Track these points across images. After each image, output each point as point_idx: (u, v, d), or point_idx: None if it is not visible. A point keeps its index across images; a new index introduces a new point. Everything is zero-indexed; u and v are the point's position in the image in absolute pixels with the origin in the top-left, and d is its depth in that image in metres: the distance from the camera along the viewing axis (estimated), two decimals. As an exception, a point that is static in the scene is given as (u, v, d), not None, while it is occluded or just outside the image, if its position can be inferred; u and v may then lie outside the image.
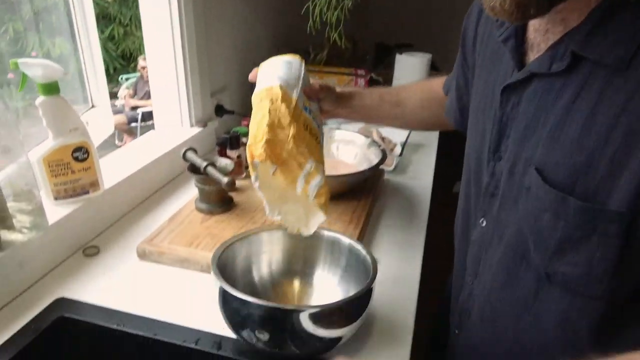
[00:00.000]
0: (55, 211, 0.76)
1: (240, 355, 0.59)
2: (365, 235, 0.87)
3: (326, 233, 0.67)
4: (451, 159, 1.47)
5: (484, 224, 0.62)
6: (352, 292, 0.63)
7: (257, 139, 0.57)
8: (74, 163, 0.77)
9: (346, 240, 0.65)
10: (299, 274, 0.67)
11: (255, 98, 0.64)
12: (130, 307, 0.66)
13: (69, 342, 0.64)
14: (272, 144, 0.56)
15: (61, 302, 0.67)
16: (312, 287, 0.67)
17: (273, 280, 0.66)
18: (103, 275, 0.73)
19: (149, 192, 0.97)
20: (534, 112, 0.53)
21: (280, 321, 0.51)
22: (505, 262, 0.58)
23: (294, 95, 0.64)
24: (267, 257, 0.66)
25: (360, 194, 0.96)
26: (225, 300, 0.53)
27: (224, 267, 0.59)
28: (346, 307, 0.54)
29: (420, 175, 1.17)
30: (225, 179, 0.79)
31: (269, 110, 0.59)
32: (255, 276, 0.65)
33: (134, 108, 4.66)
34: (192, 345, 0.60)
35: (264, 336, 0.52)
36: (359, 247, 0.64)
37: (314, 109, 0.71)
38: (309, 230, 0.61)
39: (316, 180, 0.57)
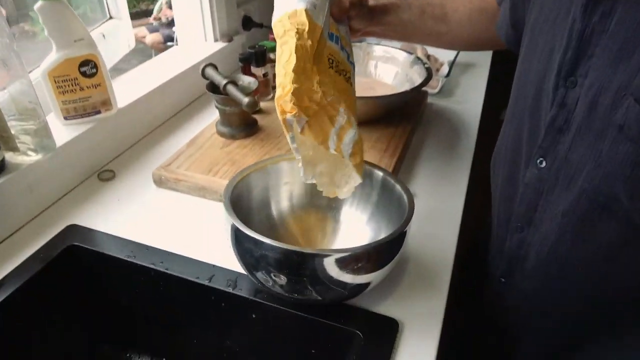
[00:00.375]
0: (66, 132, 0.70)
1: (257, 296, 0.53)
2: (402, 166, 0.78)
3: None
4: (501, 82, 1.31)
5: (544, 164, 0.52)
6: (383, 233, 0.55)
7: (285, 89, 0.45)
8: (82, 79, 0.70)
9: (379, 173, 0.57)
10: (324, 209, 0.60)
11: (277, 27, 0.50)
12: (144, 237, 0.62)
13: (78, 271, 0.61)
14: (299, 94, 0.45)
15: (72, 230, 0.63)
16: (338, 223, 0.60)
17: (294, 216, 0.59)
18: (118, 202, 0.69)
19: (167, 113, 0.90)
20: (635, 25, 0.40)
21: (299, 266, 0.45)
22: (578, 211, 0.48)
23: (320, 21, 0.50)
24: (288, 189, 0.59)
25: (400, 119, 0.86)
26: (238, 239, 0.47)
27: (239, 199, 0.52)
28: (375, 252, 0.46)
29: (469, 100, 1.04)
30: (245, 99, 0.71)
31: (296, 47, 0.46)
32: (274, 210, 0.58)
33: (172, 22, 4.53)
34: (206, 282, 0.55)
35: (281, 280, 0.46)
36: (394, 181, 0.55)
37: (342, 33, 0.57)
38: (344, 193, 0.52)
39: (350, 134, 0.47)
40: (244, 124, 0.79)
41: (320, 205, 0.60)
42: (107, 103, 0.73)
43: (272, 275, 0.46)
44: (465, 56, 1.21)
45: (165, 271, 0.57)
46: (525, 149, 0.56)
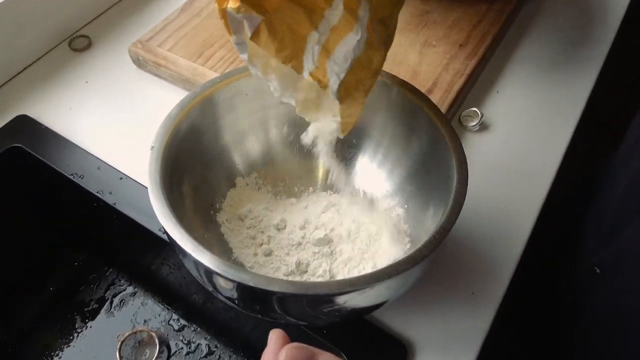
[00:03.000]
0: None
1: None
2: (483, 73, 0.52)
3: (394, 85, 0.35)
4: None
5: None
6: (413, 204, 0.35)
7: None
8: None
9: (427, 111, 0.34)
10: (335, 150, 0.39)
11: None
12: (103, 145, 0.47)
13: (19, 178, 0.48)
14: None
15: (21, 123, 0.49)
16: (351, 168, 0.39)
17: (273, 162, 0.39)
18: (85, 85, 0.52)
19: None
20: None
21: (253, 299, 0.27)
22: None
23: None
24: (260, 121, 0.38)
25: (499, -10, 0.56)
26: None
27: (180, 145, 0.33)
28: (389, 283, 0.27)
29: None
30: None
31: None
32: (237, 159, 0.38)
33: None
34: (159, 233, 0.40)
35: (232, 292, 0.29)
36: (448, 141, 0.32)
37: None
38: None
39: (348, 43, 0.24)
40: (261, -18, 0.54)
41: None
42: (67, -62, 0.52)
43: (215, 286, 0.29)
44: None
45: (113, 206, 0.43)
46: None
